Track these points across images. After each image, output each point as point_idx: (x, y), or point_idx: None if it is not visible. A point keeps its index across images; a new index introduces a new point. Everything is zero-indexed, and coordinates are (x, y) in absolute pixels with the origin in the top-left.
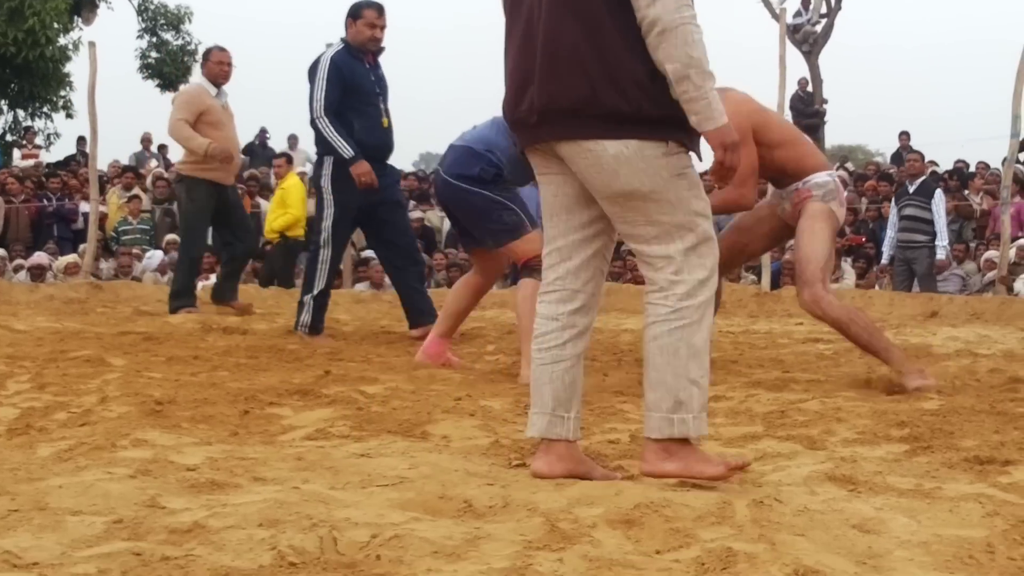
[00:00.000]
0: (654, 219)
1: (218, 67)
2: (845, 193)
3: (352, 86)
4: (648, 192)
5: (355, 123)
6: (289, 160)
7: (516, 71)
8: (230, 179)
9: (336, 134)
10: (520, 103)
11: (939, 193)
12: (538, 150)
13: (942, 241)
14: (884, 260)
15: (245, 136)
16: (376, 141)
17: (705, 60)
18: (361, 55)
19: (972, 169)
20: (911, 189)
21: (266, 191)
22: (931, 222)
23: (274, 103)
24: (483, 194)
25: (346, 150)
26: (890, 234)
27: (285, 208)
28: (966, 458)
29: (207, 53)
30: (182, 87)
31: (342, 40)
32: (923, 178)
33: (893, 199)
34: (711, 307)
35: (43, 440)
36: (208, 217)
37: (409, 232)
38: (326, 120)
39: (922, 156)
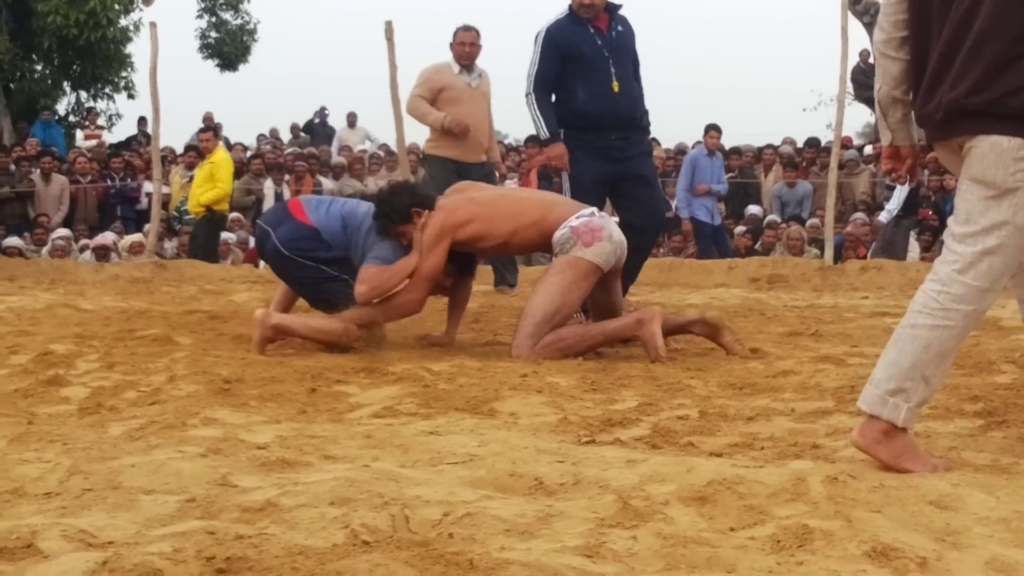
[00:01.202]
0: (975, 218)
1: (459, 47)
2: (593, 226)
3: (571, 54)
4: (996, 188)
5: (579, 92)
6: (216, 134)
7: (935, 67)
8: (471, 156)
9: (539, 113)
10: (931, 99)
11: None
12: (944, 147)
13: (889, 205)
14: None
15: (303, 114)
16: (600, 109)
17: None
18: (585, 20)
19: None
20: None
21: (326, 168)
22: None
23: (334, 81)
24: (322, 269)
25: (542, 130)
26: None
27: (214, 182)
28: None
29: (454, 32)
30: (427, 65)
31: (568, 6)
32: None
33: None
34: (979, 317)
35: (114, 419)
36: None
37: (647, 212)
38: (533, 97)
39: None
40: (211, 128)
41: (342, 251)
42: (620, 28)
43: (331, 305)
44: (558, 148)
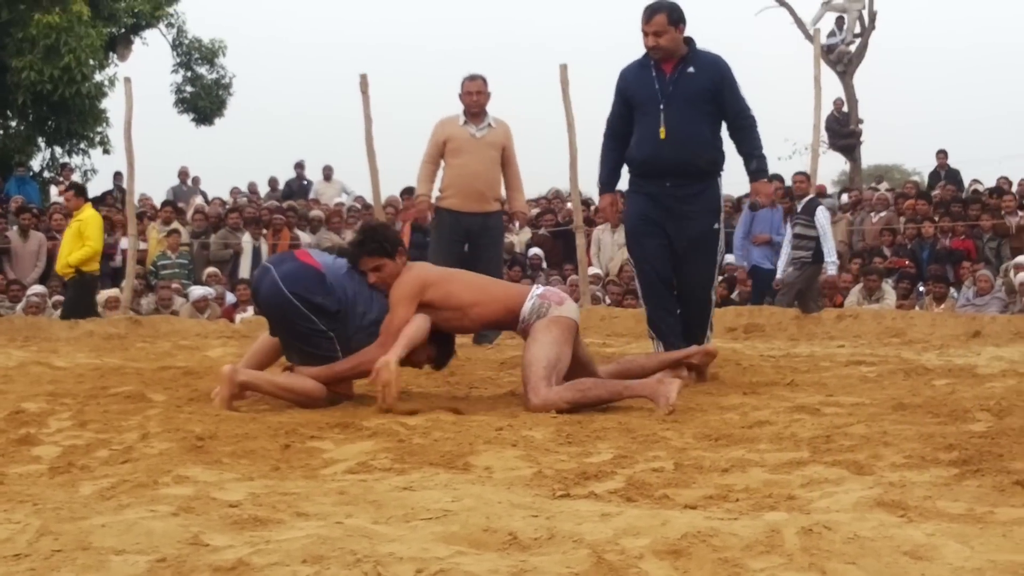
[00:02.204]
0: None
1: (466, 97)
2: (555, 291)
3: (628, 96)
4: None
5: (634, 135)
6: (77, 192)
7: None
8: (470, 206)
9: (601, 158)
10: None
11: (820, 210)
12: None
13: (830, 256)
14: (778, 276)
15: (279, 167)
16: (643, 155)
17: None
18: (653, 61)
19: (1016, 187)
20: (798, 208)
21: (304, 222)
22: (815, 239)
23: (311, 134)
24: (312, 319)
25: (599, 178)
26: (785, 251)
27: (83, 241)
28: (1017, 481)
29: (461, 83)
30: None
31: None
32: (809, 197)
33: (788, 219)
34: None
35: (85, 478)
36: (445, 244)
37: (693, 284)
38: (603, 140)
39: (807, 177)
40: (73, 186)
41: (338, 302)
42: (691, 70)
43: (307, 360)
44: (603, 200)
